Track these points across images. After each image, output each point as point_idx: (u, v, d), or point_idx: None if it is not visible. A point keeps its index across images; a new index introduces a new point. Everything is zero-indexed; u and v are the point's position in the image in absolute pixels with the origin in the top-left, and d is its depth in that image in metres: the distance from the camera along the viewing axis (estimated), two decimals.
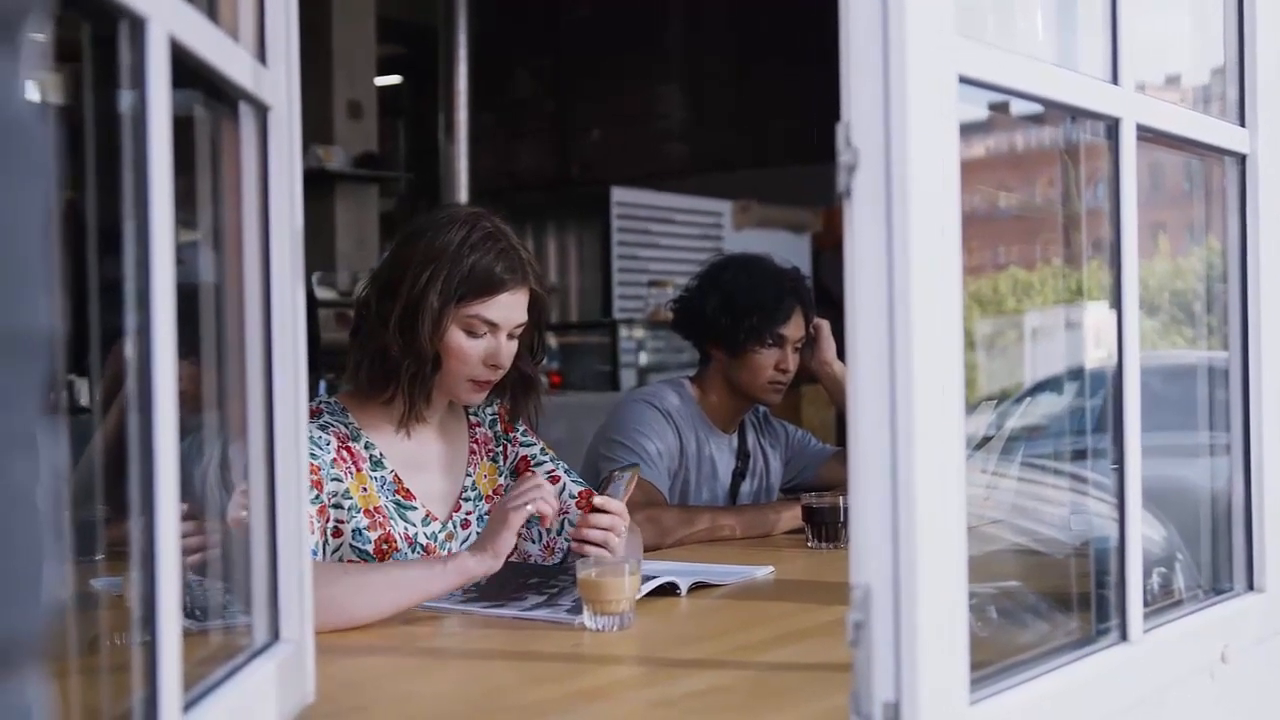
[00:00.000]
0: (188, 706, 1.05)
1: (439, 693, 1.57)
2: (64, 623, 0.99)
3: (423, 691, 1.57)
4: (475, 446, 2.31)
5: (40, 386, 0.55)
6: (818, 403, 6.48)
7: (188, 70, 1.07)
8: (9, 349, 0.52)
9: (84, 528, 1.47)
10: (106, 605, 1.46)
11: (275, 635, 1.33)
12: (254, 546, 1.32)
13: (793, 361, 2.92)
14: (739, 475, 3.03)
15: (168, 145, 0.99)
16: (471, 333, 2.12)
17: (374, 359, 2.13)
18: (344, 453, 2.10)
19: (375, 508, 2.12)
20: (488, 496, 2.28)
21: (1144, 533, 1.51)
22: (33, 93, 0.56)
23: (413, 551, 2.14)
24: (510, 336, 2.15)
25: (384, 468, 2.16)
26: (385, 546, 2.11)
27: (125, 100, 0.98)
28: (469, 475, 2.28)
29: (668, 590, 2.04)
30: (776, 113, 8.99)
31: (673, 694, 1.52)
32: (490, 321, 2.12)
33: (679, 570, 2.12)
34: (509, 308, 2.13)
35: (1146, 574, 1.54)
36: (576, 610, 1.84)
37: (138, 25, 0.95)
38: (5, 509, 0.52)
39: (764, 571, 2.28)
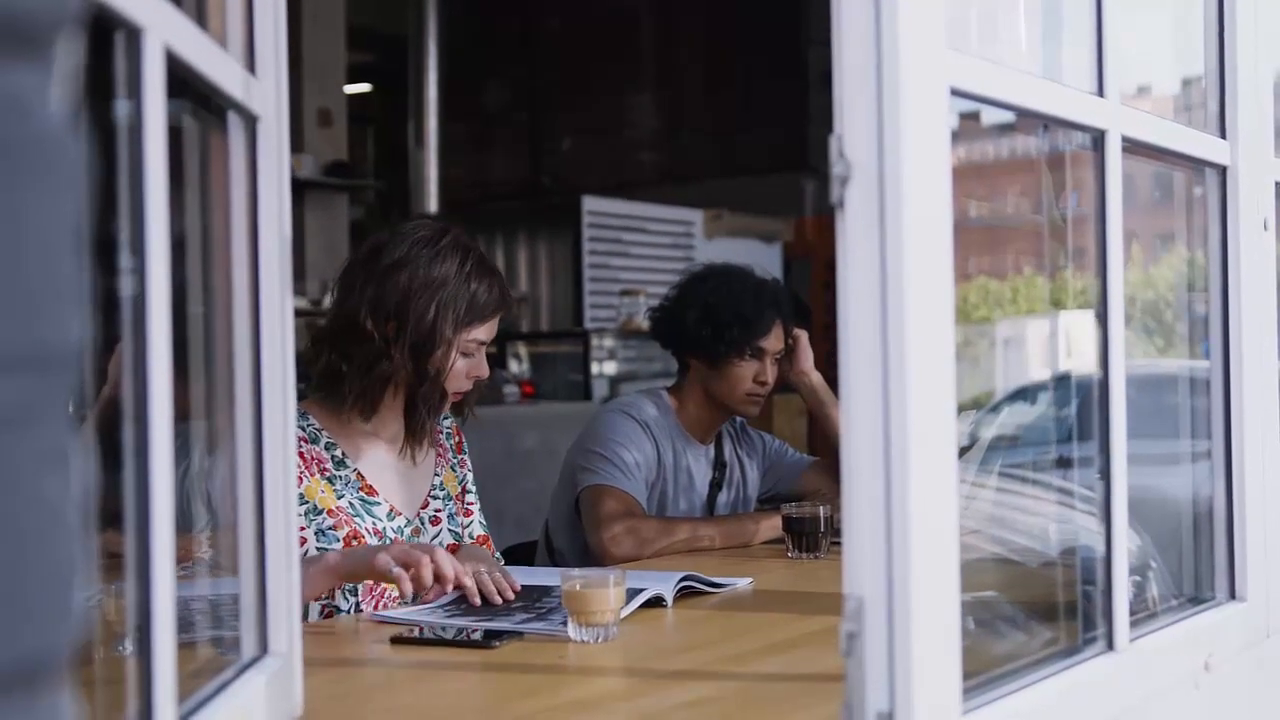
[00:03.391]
0: None
1: (426, 706, 1.56)
2: None
3: (410, 705, 1.56)
4: (441, 450, 2.40)
5: (70, 401, 0.55)
6: (788, 412, 6.49)
7: (178, 79, 1.06)
8: (43, 363, 0.51)
9: None
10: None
11: (264, 649, 1.31)
12: (242, 560, 1.31)
13: (771, 374, 2.92)
14: (716, 486, 3.03)
15: (163, 155, 0.98)
16: (466, 353, 2.24)
17: (379, 385, 2.20)
18: (297, 457, 2.12)
19: (337, 507, 2.18)
20: (456, 497, 2.38)
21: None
22: (64, 107, 0.55)
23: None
24: (488, 349, 2.30)
25: (347, 467, 2.23)
26: (354, 543, 2.17)
27: (120, 109, 0.97)
28: (437, 475, 2.37)
29: (652, 601, 2.04)
30: (748, 122, 9.02)
31: (662, 705, 1.51)
32: (483, 342, 2.26)
33: (661, 579, 2.12)
34: (495, 326, 2.28)
35: None
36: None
37: (134, 35, 0.95)
38: (40, 524, 0.52)
39: (744, 583, 2.28)
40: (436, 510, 2.34)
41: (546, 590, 2.10)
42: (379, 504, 2.23)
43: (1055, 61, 1.70)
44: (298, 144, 7.27)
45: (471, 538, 2.35)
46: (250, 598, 1.31)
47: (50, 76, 0.54)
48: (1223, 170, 1.75)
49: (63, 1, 0.55)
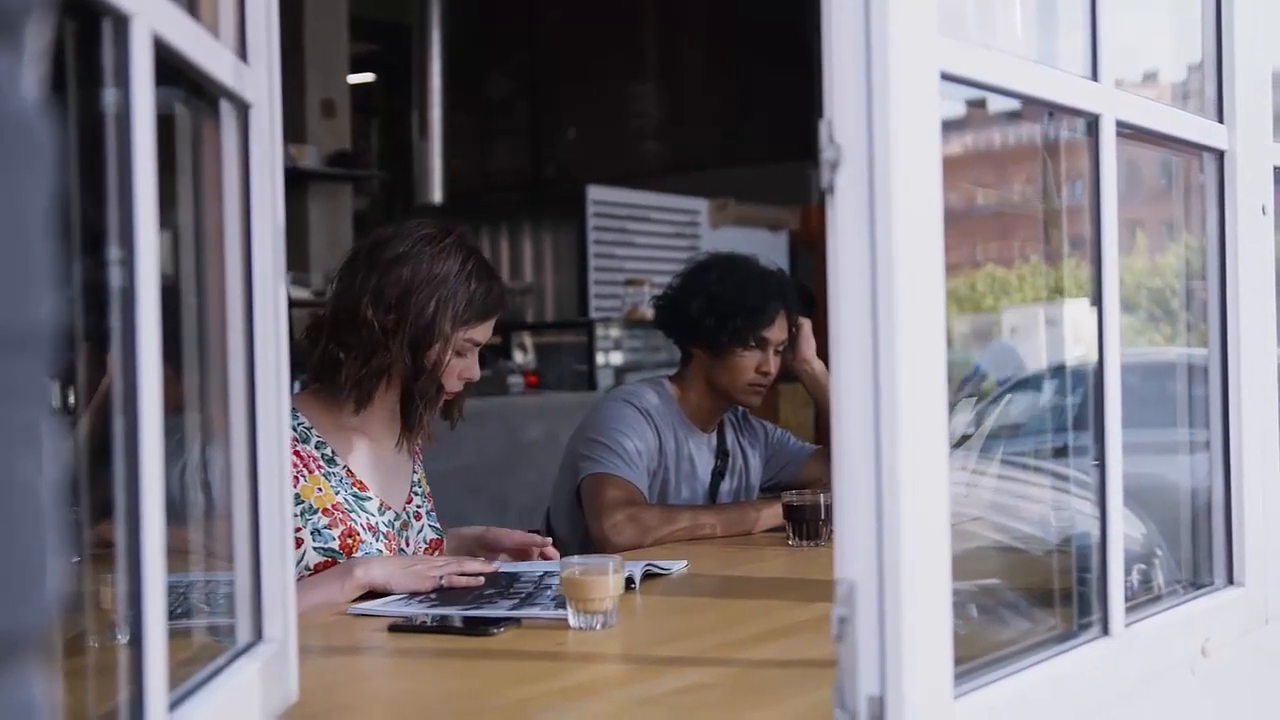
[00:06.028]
0: (173, 706, 1.04)
1: (423, 692, 1.57)
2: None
3: (406, 691, 1.56)
4: (418, 450, 2.42)
5: (44, 381, 0.55)
6: (795, 401, 6.49)
7: (168, 67, 1.06)
8: (16, 343, 0.52)
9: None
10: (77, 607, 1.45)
11: (259, 635, 1.32)
12: (237, 547, 1.32)
13: (774, 364, 2.92)
14: (718, 474, 3.03)
15: (151, 143, 0.98)
16: (460, 353, 2.25)
17: (375, 376, 2.21)
18: (293, 456, 2.13)
19: (333, 505, 2.19)
20: (428, 494, 2.42)
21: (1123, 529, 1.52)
22: (34, 90, 0.56)
23: (375, 540, 2.22)
24: (481, 351, 2.30)
25: (337, 464, 2.24)
26: (350, 541, 2.19)
27: (108, 98, 0.97)
28: (415, 473, 2.40)
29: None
30: (752, 111, 9.01)
31: (657, 691, 1.52)
32: (479, 343, 2.27)
33: (631, 566, 2.12)
34: (491, 328, 2.29)
35: (1126, 570, 1.55)
36: (561, 604, 1.84)
37: (121, 23, 0.95)
38: (11, 503, 0.52)
39: (680, 565, 2.30)
40: (418, 507, 2.37)
41: (515, 577, 2.12)
42: (370, 499, 2.25)
43: (1052, 50, 1.69)
44: (301, 135, 7.27)
45: (425, 542, 2.35)
46: (245, 584, 1.31)
47: (20, 60, 0.54)
48: (1220, 155, 1.74)
49: None
